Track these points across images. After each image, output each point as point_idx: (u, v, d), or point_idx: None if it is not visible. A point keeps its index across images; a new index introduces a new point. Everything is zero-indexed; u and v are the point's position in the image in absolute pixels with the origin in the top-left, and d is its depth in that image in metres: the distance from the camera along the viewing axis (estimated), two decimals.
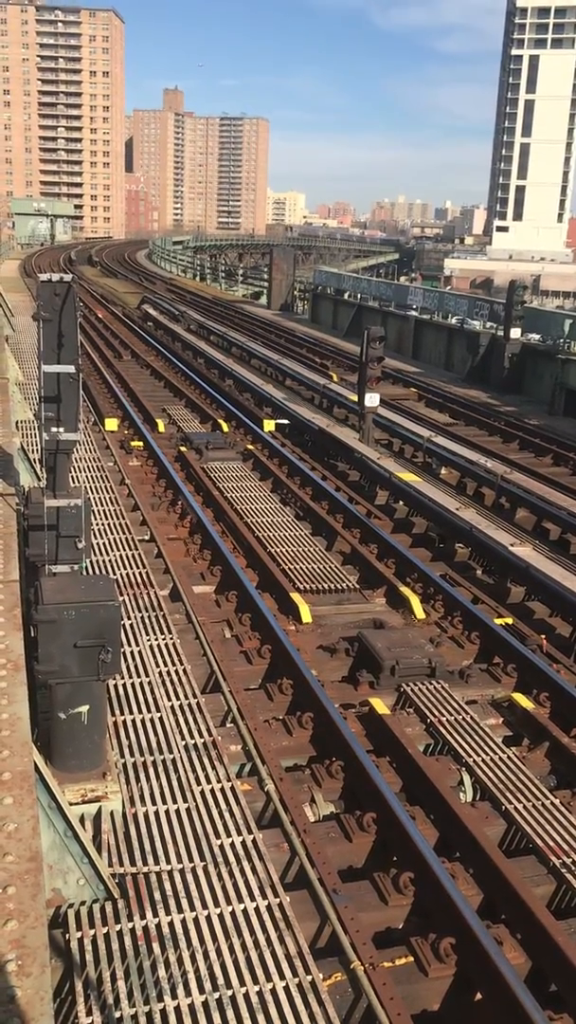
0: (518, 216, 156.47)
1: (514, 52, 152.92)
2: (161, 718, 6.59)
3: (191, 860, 5.16)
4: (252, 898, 4.90)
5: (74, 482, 11.51)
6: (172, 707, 6.81)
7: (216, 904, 4.83)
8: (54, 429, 6.47)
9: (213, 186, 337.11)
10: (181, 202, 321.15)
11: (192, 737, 6.43)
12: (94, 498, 11.54)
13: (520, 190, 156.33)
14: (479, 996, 4.83)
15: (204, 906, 4.81)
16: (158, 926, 4.64)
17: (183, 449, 15.75)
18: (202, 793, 5.79)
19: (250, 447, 16.47)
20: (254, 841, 5.37)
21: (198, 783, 5.89)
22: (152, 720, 6.56)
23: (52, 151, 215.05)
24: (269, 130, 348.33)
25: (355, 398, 17.40)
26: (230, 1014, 4.14)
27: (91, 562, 9.32)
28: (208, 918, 4.72)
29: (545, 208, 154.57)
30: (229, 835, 5.41)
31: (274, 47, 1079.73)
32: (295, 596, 9.58)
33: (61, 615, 5.21)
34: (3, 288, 33.62)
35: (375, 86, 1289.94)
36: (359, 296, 39.70)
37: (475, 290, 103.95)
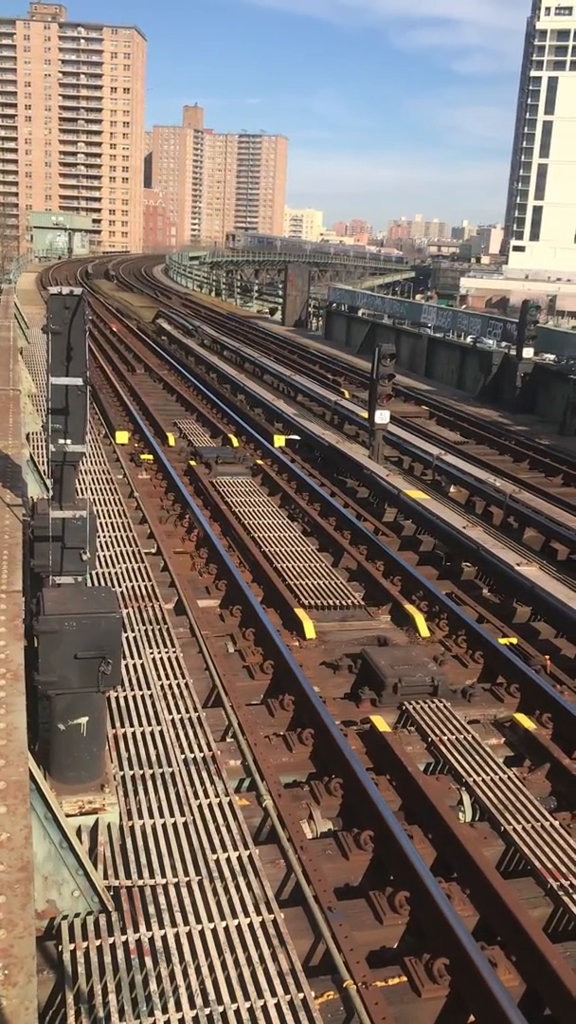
0: (535, 236, 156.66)
1: (533, 73, 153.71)
2: (161, 731, 6.60)
3: (187, 874, 5.15)
4: (247, 914, 4.89)
5: (81, 494, 11.58)
6: (173, 720, 6.82)
7: (210, 919, 4.82)
8: (61, 441, 6.52)
9: (231, 202, 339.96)
10: (199, 217, 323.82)
11: (192, 751, 6.43)
12: (102, 510, 11.59)
13: (537, 210, 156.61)
14: (472, 1018, 4.80)
15: (198, 921, 4.80)
16: (151, 940, 4.64)
17: (193, 463, 15.81)
18: (200, 807, 5.79)
19: (260, 462, 16.51)
20: (250, 857, 5.36)
21: (196, 797, 5.89)
22: (152, 733, 6.57)
23: (72, 166, 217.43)
24: (288, 147, 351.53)
25: (366, 415, 17.44)
26: None
27: (97, 574, 9.36)
28: (202, 933, 4.72)
29: (562, 228, 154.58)
30: (226, 850, 5.40)
31: (296, 67, 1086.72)
32: (299, 612, 9.58)
33: (62, 626, 5.23)
34: (20, 300, 33.83)
35: (394, 107, 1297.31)
36: (373, 313, 39.82)
37: (490, 309, 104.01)
